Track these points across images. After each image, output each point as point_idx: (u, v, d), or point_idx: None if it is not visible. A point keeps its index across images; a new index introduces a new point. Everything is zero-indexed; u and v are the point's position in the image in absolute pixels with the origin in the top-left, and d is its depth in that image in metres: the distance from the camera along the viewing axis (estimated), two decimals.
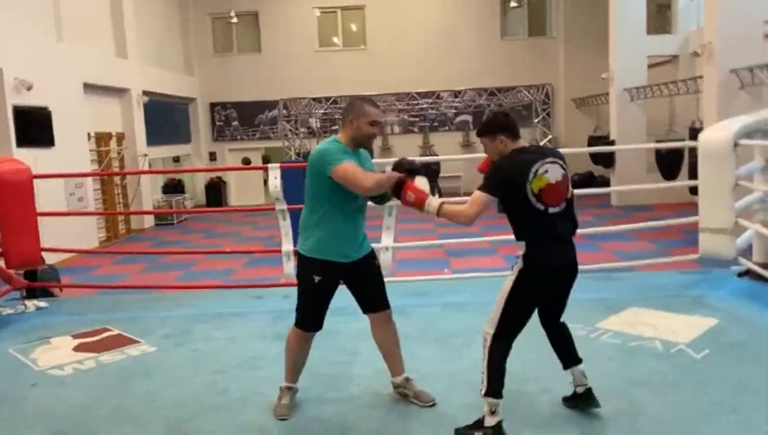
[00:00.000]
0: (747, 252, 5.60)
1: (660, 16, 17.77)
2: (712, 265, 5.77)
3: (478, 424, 2.97)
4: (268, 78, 18.85)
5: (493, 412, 2.92)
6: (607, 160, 15.44)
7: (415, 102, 17.18)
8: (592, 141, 16.62)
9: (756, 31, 10.11)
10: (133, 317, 5.28)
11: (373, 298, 3.38)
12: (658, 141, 12.95)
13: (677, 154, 12.41)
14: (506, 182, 2.92)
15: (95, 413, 3.52)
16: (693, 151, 8.78)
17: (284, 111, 15.76)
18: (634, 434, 3.02)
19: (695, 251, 5.44)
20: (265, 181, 5.60)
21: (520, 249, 2.97)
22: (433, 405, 3.35)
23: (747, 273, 5.43)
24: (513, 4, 17.48)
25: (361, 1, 19.15)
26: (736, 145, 4.90)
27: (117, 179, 13.63)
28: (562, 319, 3.21)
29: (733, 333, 4.22)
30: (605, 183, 16.32)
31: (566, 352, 3.21)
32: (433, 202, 3.01)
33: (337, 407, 3.44)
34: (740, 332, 4.23)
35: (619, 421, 3.12)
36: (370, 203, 3.46)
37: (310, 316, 3.30)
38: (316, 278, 3.21)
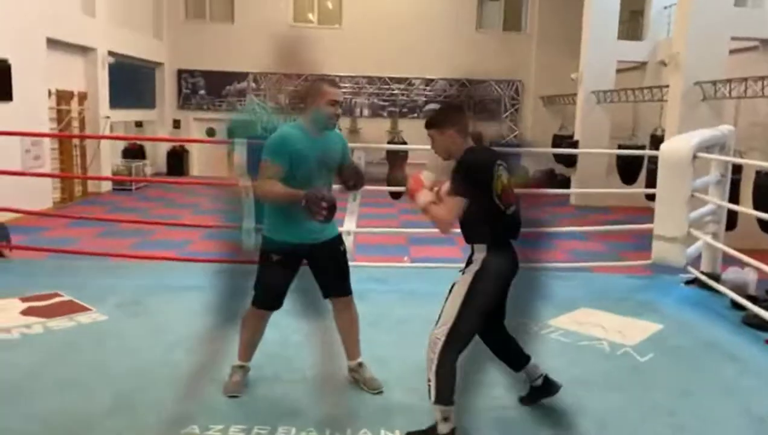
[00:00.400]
0: (696, 261, 5.80)
1: (632, 23, 18.06)
2: (662, 272, 5.95)
3: (432, 430, 2.88)
4: (239, 49, 18.50)
5: (446, 419, 2.83)
6: (569, 160, 15.70)
7: (387, 87, 17.16)
8: (557, 139, 16.86)
9: (722, 47, 10.38)
10: (86, 284, 5.18)
11: (333, 283, 3.37)
12: (620, 145, 13.23)
13: (637, 160, 12.70)
14: (478, 178, 2.80)
15: (40, 379, 3.46)
16: (652, 159, 9.00)
17: (253, 84, 15.55)
18: (576, 431, 3.11)
19: (647, 256, 5.60)
20: (229, 154, 5.52)
21: (478, 252, 2.88)
22: (380, 392, 3.39)
23: (694, 281, 5.61)
24: None
25: None
26: (694, 157, 5.05)
27: (76, 140, 13.27)
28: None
29: (677, 338, 4.38)
30: (566, 181, 16.60)
31: (515, 355, 3.16)
32: (424, 196, 2.84)
33: (289, 388, 3.46)
34: (684, 338, 4.39)
35: (562, 419, 3.21)
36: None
37: (266, 294, 3.29)
38: (274, 257, 3.22)
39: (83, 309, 4.59)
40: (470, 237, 2.92)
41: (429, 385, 2.85)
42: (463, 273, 2.91)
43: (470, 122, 2.96)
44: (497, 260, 2.87)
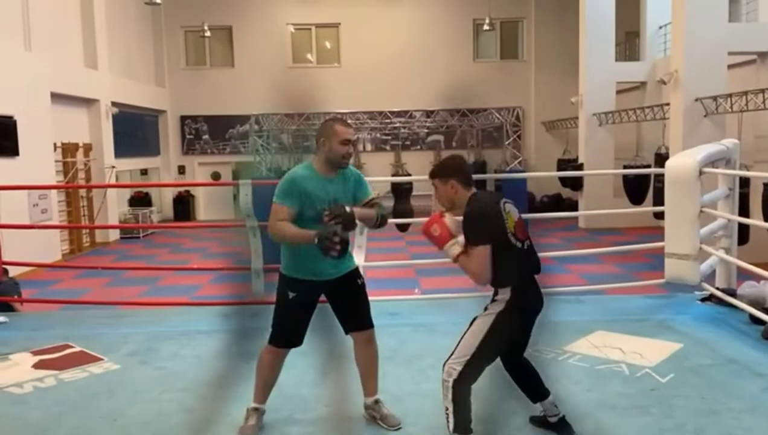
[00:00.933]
0: (710, 277, 5.72)
1: (628, 44, 18.22)
2: (677, 290, 5.88)
3: None
4: (241, 92, 18.79)
5: None
6: (575, 183, 15.69)
7: (388, 120, 17.28)
8: (561, 164, 16.89)
9: (720, 62, 10.44)
10: (96, 334, 5.15)
11: (354, 317, 3.34)
12: (625, 166, 13.23)
13: (644, 179, 12.67)
14: (492, 224, 2.84)
15: (55, 433, 3.41)
16: (659, 177, 8.98)
17: (256, 126, 15.69)
18: None
19: (660, 275, 5.53)
20: (235, 196, 5.56)
21: (502, 293, 2.91)
22: (399, 428, 3.32)
23: (710, 298, 5.53)
24: (486, 27, 17.77)
25: (336, 19, 19.27)
26: (701, 173, 5.02)
27: (83, 191, 13.38)
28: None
29: (696, 357, 4.29)
30: (573, 205, 16.57)
31: (534, 388, 3.16)
32: (455, 248, 2.89)
33: (305, 429, 3.40)
34: (703, 356, 4.30)
35: None
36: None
37: (283, 333, 3.25)
38: (291, 295, 3.20)
39: (95, 359, 4.55)
40: (494, 281, 2.91)
41: (447, 414, 2.86)
42: (486, 309, 2.94)
43: (469, 173, 3.02)
44: (521, 300, 2.91)
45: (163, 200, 18.97)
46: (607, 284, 6.75)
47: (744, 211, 6.69)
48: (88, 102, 13.94)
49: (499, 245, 2.82)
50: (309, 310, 3.26)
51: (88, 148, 13.83)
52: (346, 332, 3.37)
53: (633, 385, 3.85)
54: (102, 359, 4.54)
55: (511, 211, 2.93)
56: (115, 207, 14.86)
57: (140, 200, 17.30)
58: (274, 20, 19.17)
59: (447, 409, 2.86)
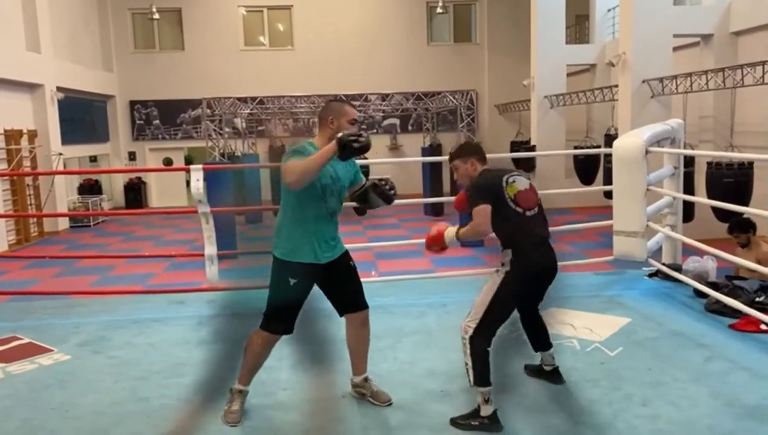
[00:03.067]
0: (657, 254, 5.91)
1: (578, 27, 18.50)
2: (626, 266, 6.05)
3: (474, 413, 3.12)
4: (192, 76, 18.41)
5: (486, 401, 3.09)
6: (528, 165, 15.91)
7: None
8: (514, 146, 17.10)
9: (666, 44, 10.70)
10: (46, 325, 5.03)
11: (351, 298, 3.37)
12: (576, 147, 13.49)
13: (594, 159, 12.94)
14: (489, 191, 3.24)
15: (2, 427, 3.33)
16: (608, 157, 9.18)
17: (208, 110, 15.41)
18: (551, 429, 3.12)
19: (610, 253, 5.68)
20: (188, 183, 5.48)
21: (506, 256, 3.23)
22: (390, 404, 3.39)
23: (657, 273, 5.72)
24: (439, 10, 17.77)
25: (289, 1, 19.00)
26: (647, 152, 5.16)
27: (29, 179, 12.95)
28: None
29: (643, 331, 4.44)
30: None
31: (541, 339, 3.57)
32: (450, 232, 3.33)
33: (263, 412, 3.39)
34: (650, 330, 4.45)
35: (537, 417, 3.22)
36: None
37: (281, 319, 3.22)
38: (291, 281, 3.15)
39: (44, 350, 4.44)
40: (502, 243, 3.29)
41: (467, 369, 3.14)
42: (497, 272, 3.26)
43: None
44: (525, 261, 3.22)
45: (114, 188, 18.52)
46: (559, 262, 6.89)
47: (689, 189, 6.91)
48: (31, 87, 13.45)
49: (496, 208, 3.20)
50: (306, 295, 3.24)
51: (33, 134, 13.37)
52: (341, 314, 3.40)
53: (584, 359, 3.97)
54: (52, 350, 4.44)
55: (516, 181, 3.31)
56: (63, 195, 14.43)
57: (90, 188, 16.85)
58: (225, 2, 18.79)
59: (467, 364, 3.13)
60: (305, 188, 3.04)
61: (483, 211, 3.18)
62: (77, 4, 16.83)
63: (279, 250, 3.19)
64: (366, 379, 3.47)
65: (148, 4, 17.48)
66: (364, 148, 2.98)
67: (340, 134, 2.95)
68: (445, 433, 3.12)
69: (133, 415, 3.40)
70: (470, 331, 3.13)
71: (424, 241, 3.48)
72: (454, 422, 3.15)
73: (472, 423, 3.10)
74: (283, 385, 3.72)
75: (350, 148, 2.92)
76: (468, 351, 3.12)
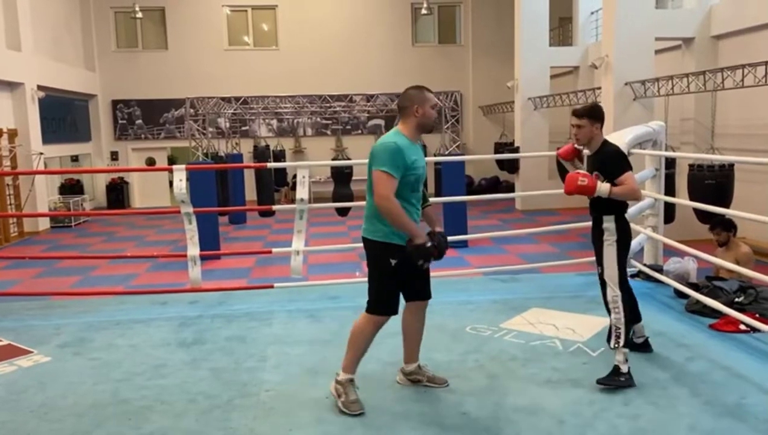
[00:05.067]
0: (638, 255, 5.96)
1: (562, 29, 18.62)
2: None
3: (617, 371, 3.51)
4: (175, 76, 18.30)
5: (626, 360, 3.52)
6: (512, 166, 16.00)
7: (328, 105, 17.14)
8: (498, 147, 17.19)
9: (648, 47, 10.80)
10: (25, 326, 4.97)
11: (419, 287, 3.47)
12: (559, 148, 13.56)
13: None
14: (628, 163, 3.60)
15: None
16: None
17: (191, 110, 15.31)
18: (534, 429, 3.13)
19: (593, 254, 5.71)
20: (171, 183, 5.43)
21: (608, 222, 3.59)
22: (447, 385, 3.56)
23: (638, 274, 5.77)
24: (424, 11, 17.82)
25: (273, 1, 18.94)
26: (629, 154, 5.20)
27: (8, 179, 12.79)
28: None
29: None
30: (510, 188, 16.91)
31: (632, 311, 3.74)
32: (605, 185, 3.49)
33: (245, 413, 3.38)
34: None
35: (521, 417, 3.24)
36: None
37: (387, 301, 3.31)
38: (393, 262, 3.26)
39: (24, 352, 4.39)
40: (607, 211, 3.60)
41: (618, 332, 3.51)
42: (607, 242, 3.60)
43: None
44: (626, 224, 3.67)
45: (96, 188, 18.33)
46: (542, 263, 6.94)
47: (670, 190, 6.99)
48: (11, 85, 13.28)
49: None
50: (402, 277, 3.35)
51: (12, 133, 13.19)
52: (408, 299, 3.49)
53: (566, 360, 3.99)
54: (32, 352, 4.39)
55: None
56: (44, 195, 14.26)
57: (71, 188, 16.68)
58: (209, 1, 18.69)
59: (618, 328, 3.52)
60: (403, 177, 3.18)
61: (633, 178, 3.52)
62: (59, 2, 16.65)
63: (377, 233, 3.28)
64: (419, 366, 3.60)
65: (131, 2, 17.34)
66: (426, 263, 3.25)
67: (418, 241, 3.14)
68: (429, 431, 3.12)
69: (114, 416, 3.37)
70: (618, 299, 3.52)
71: (565, 186, 3.59)
72: (601, 382, 3.50)
73: (619, 380, 3.49)
74: (266, 386, 3.70)
75: (417, 259, 3.18)
76: (621, 316, 3.51)
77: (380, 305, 3.32)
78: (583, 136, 3.65)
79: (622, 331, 3.50)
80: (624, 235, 3.64)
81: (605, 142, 3.68)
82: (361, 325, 3.35)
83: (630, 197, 3.58)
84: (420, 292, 3.49)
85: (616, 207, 3.61)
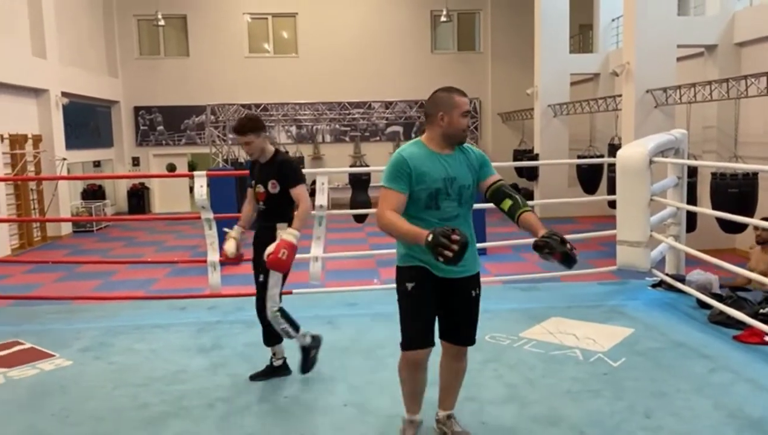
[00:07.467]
0: (660, 264, 5.89)
1: (582, 36, 18.52)
2: (629, 276, 6.03)
3: (305, 351, 3.76)
4: (196, 83, 18.49)
5: (303, 335, 3.76)
6: (531, 174, 15.91)
7: (347, 111, 17.21)
8: (517, 154, 17.10)
9: (670, 54, 10.69)
10: (48, 329, 5.03)
11: (459, 329, 2.96)
12: (579, 156, 13.48)
13: (597, 168, 12.93)
14: None
15: (3, 432, 3.32)
16: (611, 167, 9.17)
17: (212, 117, 15.45)
18: None
19: (613, 262, 5.67)
20: (191, 189, 5.47)
21: (283, 228, 3.67)
22: None
23: (660, 284, 5.70)
24: (443, 18, 17.84)
25: (293, 9, 19.08)
26: (651, 162, 5.15)
27: (32, 184, 12.98)
28: None
29: (647, 341, 4.42)
30: (529, 195, 16.81)
31: None
32: (292, 232, 3.62)
33: (263, 419, 3.37)
34: (653, 340, 4.43)
35: (541, 428, 3.20)
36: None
37: (411, 331, 2.84)
38: (409, 286, 2.83)
39: (46, 356, 4.44)
40: (277, 218, 3.76)
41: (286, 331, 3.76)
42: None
43: None
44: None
45: (117, 193, 18.55)
46: (561, 272, 6.88)
47: (692, 199, 6.90)
48: (36, 92, 13.51)
49: None
50: (431, 303, 2.85)
51: (37, 139, 13.41)
52: (442, 338, 2.97)
53: (586, 370, 3.94)
54: (53, 355, 4.44)
55: None
56: (67, 200, 14.46)
57: (93, 193, 16.88)
58: (230, 9, 18.88)
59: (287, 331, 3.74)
60: (414, 195, 2.78)
61: (305, 190, 3.75)
62: (83, 11, 16.91)
63: (396, 257, 2.93)
64: (449, 416, 3.10)
65: (153, 10, 17.56)
66: (454, 256, 2.48)
67: (430, 237, 2.49)
68: None
69: (133, 421, 3.39)
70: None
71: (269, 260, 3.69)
72: (304, 371, 3.76)
73: (311, 354, 3.75)
74: (284, 392, 3.71)
75: (434, 252, 2.49)
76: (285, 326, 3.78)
77: (403, 338, 2.85)
78: (255, 149, 3.72)
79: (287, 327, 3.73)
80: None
81: (277, 150, 3.80)
82: (399, 365, 2.95)
83: (308, 215, 3.68)
84: (456, 337, 2.95)
85: (287, 215, 3.69)
